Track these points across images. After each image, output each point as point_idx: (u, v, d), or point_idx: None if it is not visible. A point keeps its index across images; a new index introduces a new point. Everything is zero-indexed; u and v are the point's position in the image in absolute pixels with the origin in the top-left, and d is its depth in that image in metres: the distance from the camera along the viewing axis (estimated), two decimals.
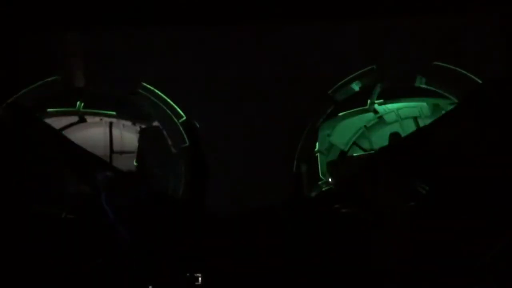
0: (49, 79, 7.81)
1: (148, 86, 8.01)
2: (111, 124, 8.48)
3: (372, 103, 7.96)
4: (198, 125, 8.11)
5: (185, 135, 8.02)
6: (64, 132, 8.40)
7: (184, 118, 8.04)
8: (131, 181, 2.65)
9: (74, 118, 8.29)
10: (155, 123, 8.05)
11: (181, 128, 8.02)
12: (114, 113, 7.92)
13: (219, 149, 7.88)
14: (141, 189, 2.57)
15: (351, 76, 8.12)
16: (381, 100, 7.96)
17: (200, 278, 7.44)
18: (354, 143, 8.58)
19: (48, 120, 8.11)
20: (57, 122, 8.30)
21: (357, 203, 5.41)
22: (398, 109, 8.33)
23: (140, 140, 7.96)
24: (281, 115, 7.90)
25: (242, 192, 7.72)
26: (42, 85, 7.79)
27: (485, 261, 4.03)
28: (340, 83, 8.13)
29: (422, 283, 4.50)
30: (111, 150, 8.51)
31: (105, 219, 2.47)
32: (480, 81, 7.37)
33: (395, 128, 8.26)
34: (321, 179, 7.96)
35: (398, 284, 4.68)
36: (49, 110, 7.76)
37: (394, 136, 7.98)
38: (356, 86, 8.20)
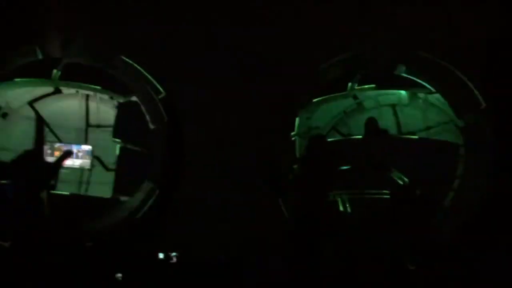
0: (24, 47, 7.53)
1: (128, 60, 7.82)
2: (87, 96, 8.30)
3: (352, 89, 8.01)
4: (178, 104, 8.00)
5: (163, 112, 7.92)
6: (38, 103, 8.21)
7: (164, 94, 7.91)
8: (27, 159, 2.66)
9: (49, 89, 8.09)
10: (134, 98, 7.89)
11: (160, 105, 7.90)
12: (98, 87, 7.71)
13: (199, 130, 7.81)
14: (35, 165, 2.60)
15: (332, 61, 8.10)
16: (361, 86, 7.99)
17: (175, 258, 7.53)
18: (333, 128, 8.69)
19: (21, 90, 7.89)
20: (30, 93, 8.09)
21: None
22: (377, 95, 8.43)
23: (118, 114, 7.83)
24: (263, 97, 7.81)
25: (224, 176, 7.69)
26: (17, 54, 7.51)
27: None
28: (321, 67, 8.11)
29: None
30: (87, 123, 8.36)
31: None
32: (460, 74, 7.48)
33: (373, 114, 8.37)
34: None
35: None
36: (16, 79, 7.50)
37: (370, 120, 8.09)
38: (336, 72, 8.20)
